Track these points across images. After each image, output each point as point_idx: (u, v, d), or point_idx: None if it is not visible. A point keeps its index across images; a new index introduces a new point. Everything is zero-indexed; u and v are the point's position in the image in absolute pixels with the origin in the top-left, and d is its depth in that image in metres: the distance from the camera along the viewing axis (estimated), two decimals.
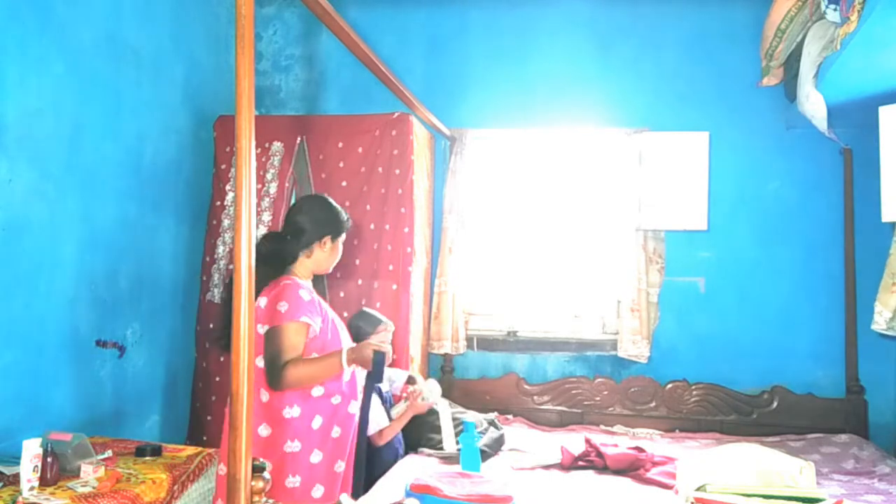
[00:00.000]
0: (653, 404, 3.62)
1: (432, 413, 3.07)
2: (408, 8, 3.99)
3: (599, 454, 2.79)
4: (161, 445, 2.62)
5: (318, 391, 2.23)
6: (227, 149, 3.53)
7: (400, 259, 3.29)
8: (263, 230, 3.41)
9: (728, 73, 3.67)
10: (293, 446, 2.17)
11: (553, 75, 3.83)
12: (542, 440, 3.23)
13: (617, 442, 2.99)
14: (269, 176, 3.46)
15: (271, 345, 2.15)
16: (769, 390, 3.54)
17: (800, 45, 2.94)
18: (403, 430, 2.89)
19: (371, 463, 2.65)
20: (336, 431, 2.27)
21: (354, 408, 2.35)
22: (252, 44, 1.62)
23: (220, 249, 3.50)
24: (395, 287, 3.27)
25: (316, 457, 2.21)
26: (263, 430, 2.17)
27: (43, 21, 2.61)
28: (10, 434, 2.41)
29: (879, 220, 2.55)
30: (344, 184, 3.41)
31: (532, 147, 3.94)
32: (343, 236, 2.41)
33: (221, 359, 3.40)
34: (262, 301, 2.21)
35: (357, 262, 3.35)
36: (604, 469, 2.74)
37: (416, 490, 2.09)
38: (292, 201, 3.54)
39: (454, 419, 3.04)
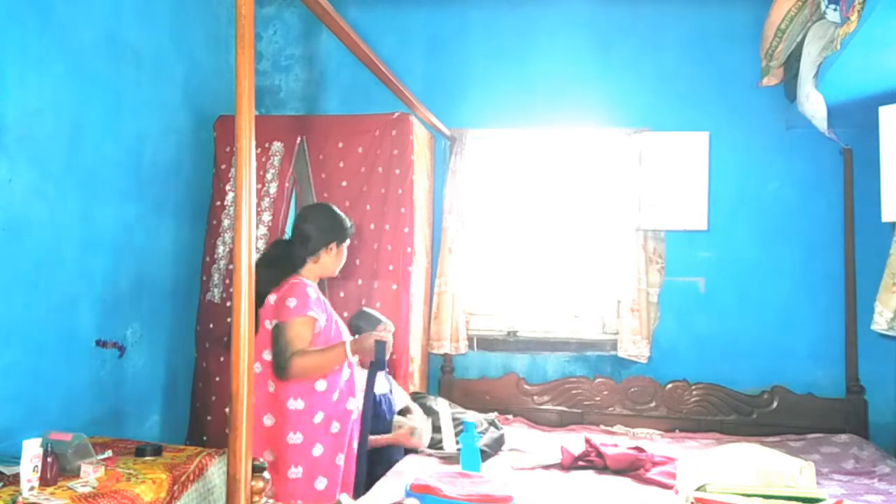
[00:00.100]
0: (653, 404, 3.62)
1: (432, 413, 3.06)
2: (408, 8, 3.99)
3: (599, 454, 2.79)
4: (161, 445, 2.61)
5: (321, 386, 2.34)
6: (227, 149, 3.53)
7: (400, 259, 3.29)
8: (263, 230, 3.42)
9: (728, 73, 3.67)
10: (295, 438, 2.29)
11: (553, 75, 3.83)
12: (542, 440, 3.23)
13: (617, 442, 2.99)
14: (269, 176, 3.46)
15: (280, 338, 2.28)
16: (769, 390, 3.54)
17: (800, 45, 2.94)
18: None
19: (371, 463, 2.64)
20: (335, 426, 2.37)
21: (352, 405, 2.44)
22: (252, 44, 1.62)
23: (220, 249, 3.50)
24: (395, 287, 3.27)
25: (318, 450, 2.31)
26: (268, 420, 2.31)
27: (43, 21, 2.61)
28: (10, 434, 2.41)
29: (879, 220, 2.55)
30: (344, 184, 3.41)
31: (532, 147, 3.94)
32: (347, 241, 2.55)
33: (221, 359, 3.40)
34: (272, 298, 2.36)
35: (357, 262, 3.35)
36: (604, 469, 2.74)
37: (416, 490, 2.10)
38: (292, 201, 3.55)
39: (454, 419, 3.04)
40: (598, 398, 3.67)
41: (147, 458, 2.49)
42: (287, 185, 3.47)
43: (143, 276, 3.23)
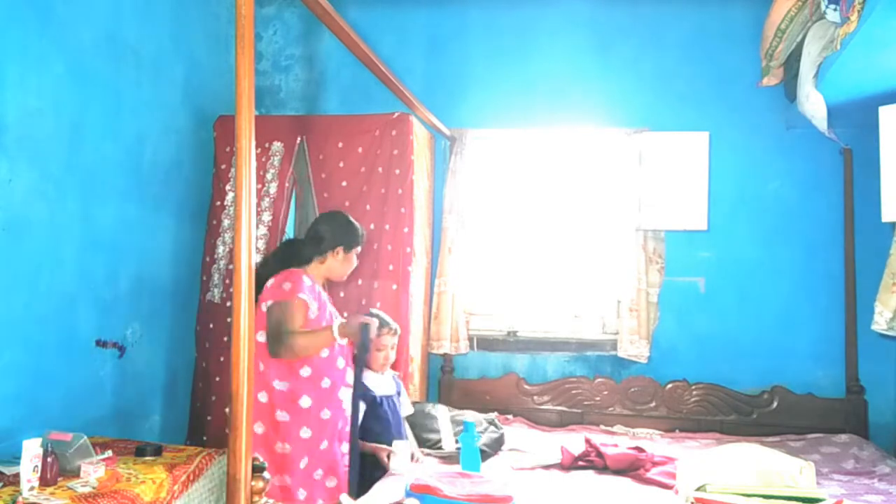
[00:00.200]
0: (653, 404, 3.62)
1: (430, 418, 3.06)
2: (408, 8, 3.99)
3: (599, 454, 2.79)
4: (161, 445, 2.62)
5: (305, 371, 2.47)
6: (227, 149, 3.53)
7: (400, 259, 3.29)
8: (263, 230, 3.43)
9: (728, 73, 3.67)
10: (282, 415, 2.45)
11: (553, 75, 3.83)
12: (542, 440, 3.23)
13: (617, 442, 2.99)
14: (269, 176, 3.46)
15: (273, 317, 2.42)
16: (769, 390, 3.54)
17: (800, 45, 2.94)
18: None
19: (371, 462, 2.64)
20: (326, 413, 2.50)
21: (345, 394, 2.56)
22: (252, 44, 1.62)
23: (220, 249, 3.50)
24: (395, 287, 3.27)
25: (305, 433, 2.46)
26: (262, 397, 2.45)
27: (43, 21, 2.61)
28: (10, 434, 2.41)
29: (879, 220, 2.55)
30: (344, 184, 3.41)
31: (532, 147, 3.94)
32: (357, 249, 2.69)
33: (221, 359, 3.40)
34: (270, 283, 2.49)
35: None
36: (604, 469, 2.74)
37: (416, 490, 2.10)
38: (292, 201, 3.56)
39: (453, 421, 3.04)
40: (598, 398, 3.67)
41: (147, 458, 2.49)
42: (287, 185, 3.47)
43: (143, 276, 3.23)
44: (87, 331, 2.87)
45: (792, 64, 3.18)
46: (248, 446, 1.53)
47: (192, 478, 2.46)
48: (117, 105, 3.05)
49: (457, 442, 2.77)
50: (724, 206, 3.64)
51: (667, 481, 2.53)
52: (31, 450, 2.07)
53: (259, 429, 2.42)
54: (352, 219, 2.71)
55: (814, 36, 2.76)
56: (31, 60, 2.56)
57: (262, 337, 2.43)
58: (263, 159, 3.45)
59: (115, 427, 2.99)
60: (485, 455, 2.77)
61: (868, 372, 3.43)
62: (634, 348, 3.60)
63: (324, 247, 2.62)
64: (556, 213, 3.91)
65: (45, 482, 2.11)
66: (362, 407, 2.74)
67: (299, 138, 3.48)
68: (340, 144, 3.43)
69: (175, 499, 2.34)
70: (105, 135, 2.96)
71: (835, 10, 2.46)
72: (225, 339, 3.38)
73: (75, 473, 2.21)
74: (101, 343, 2.94)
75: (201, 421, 3.47)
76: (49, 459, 2.13)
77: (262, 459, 1.62)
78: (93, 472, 2.20)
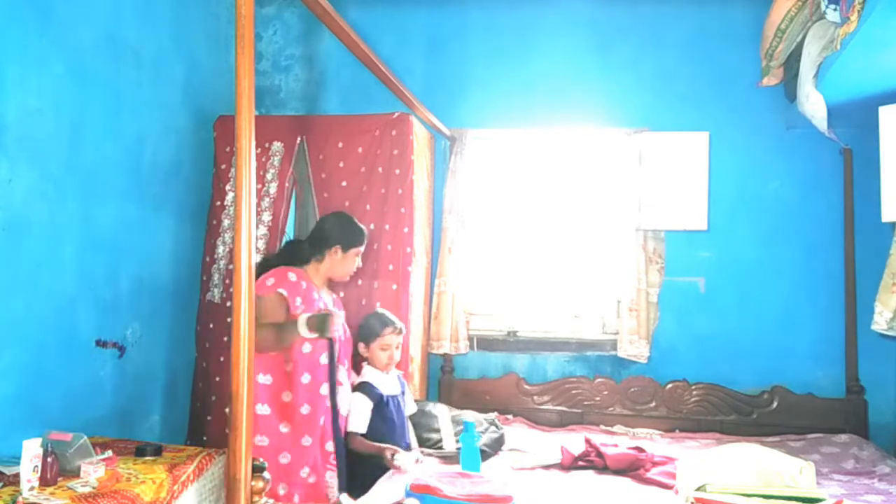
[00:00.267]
0: (653, 404, 3.62)
1: (430, 417, 3.06)
2: (408, 8, 3.99)
3: (599, 454, 2.79)
4: (161, 445, 2.61)
5: (288, 367, 2.52)
6: (227, 149, 3.53)
7: (400, 259, 3.29)
8: (263, 230, 3.42)
9: (728, 73, 3.67)
10: (263, 409, 2.49)
11: (553, 75, 3.83)
12: (542, 440, 3.23)
13: (617, 442, 2.99)
14: (269, 176, 3.46)
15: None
16: (769, 390, 3.54)
17: (800, 45, 2.94)
18: None
19: (372, 462, 2.65)
20: (306, 408, 2.53)
21: (326, 390, 2.59)
22: (252, 44, 1.62)
23: (220, 249, 3.50)
24: (395, 287, 3.27)
25: (285, 427, 2.51)
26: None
27: (43, 21, 2.61)
28: (10, 434, 2.41)
29: (879, 220, 2.55)
30: (344, 184, 3.41)
31: (532, 147, 3.94)
32: (356, 249, 2.74)
33: (221, 359, 3.40)
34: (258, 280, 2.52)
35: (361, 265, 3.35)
36: (604, 469, 2.74)
37: (416, 490, 2.10)
38: (292, 201, 3.56)
39: (454, 421, 3.04)
40: (598, 398, 3.67)
41: (147, 458, 2.49)
42: (287, 185, 3.47)
43: (143, 276, 3.23)
44: (87, 331, 2.87)
45: (792, 64, 3.18)
46: (248, 446, 1.53)
47: (192, 478, 2.46)
48: (117, 105, 3.05)
49: (457, 441, 2.76)
50: (724, 206, 3.64)
51: (667, 481, 2.53)
52: (31, 450, 2.07)
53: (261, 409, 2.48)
54: (354, 219, 2.75)
55: (814, 36, 2.76)
56: (31, 60, 2.56)
57: None
58: (263, 159, 3.45)
59: (115, 427, 2.99)
60: (485, 455, 2.77)
61: (868, 372, 3.43)
62: (634, 348, 3.60)
63: (321, 246, 2.67)
64: (556, 213, 3.91)
65: (45, 482, 2.11)
66: (369, 405, 2.74)
67: (299, 138, 3.48)
68: (340, 144, 3.43)
69: (175, 499, 2.34)
70: (105, 135, 2.96)
71: (835, 10, 2.46)
72: (225, 339, 3.38)
73: (75, 473, 2.21)
74: (101, 343, 2.94)
75: (201, 421, 3.47)
76: (49, 459, 2.13)
77: (262, 460, 1.62)
78: (93, 472, 2.20)
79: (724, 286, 3.65)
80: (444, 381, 3.78)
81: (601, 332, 3.80)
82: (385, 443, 2.70)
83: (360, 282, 3.32)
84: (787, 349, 3.56)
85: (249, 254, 1.56)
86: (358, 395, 2.77)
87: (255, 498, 1.57)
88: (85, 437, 2.32)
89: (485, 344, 3.85)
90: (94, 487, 2.14)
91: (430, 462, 2.79)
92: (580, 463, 2.80)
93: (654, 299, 3.67)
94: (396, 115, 3.35)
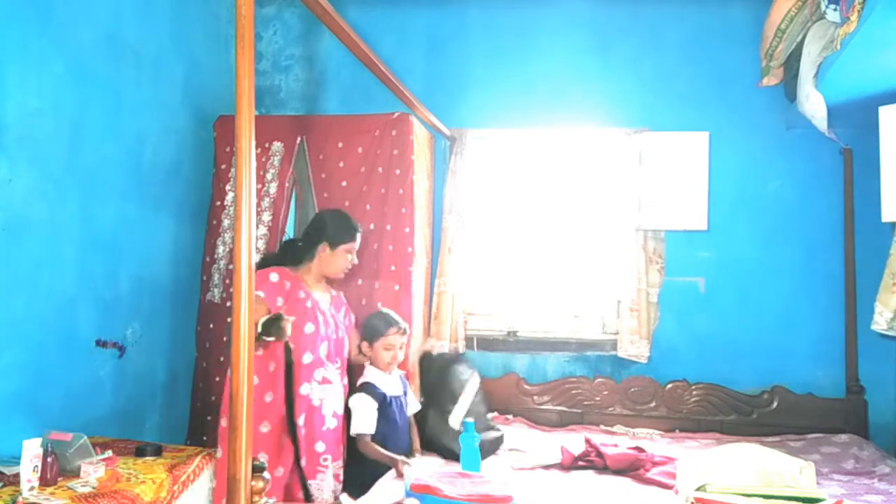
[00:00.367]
0: (653, 404, 3.62)
1: (459, 382, 3.02)
2: (408, 8, 3.99)
3: (599, 454, 2.79)
4: (161, 445, 2.62)
5: (271, 366, 2.53)
6: (227, 149, 3.53)
7: (401, 259, 3.28)
8: (263, 230, 3.42)
9: (728, 73, 3.67)
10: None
11: (553, 75, 3.83)
12: (542, 440, 3.22)
13: (617, 442, 2.99)
14: (269, 176, 3.46)
15: None
16: (769, 390, 3.54)
17: (800, 45, 2.94)
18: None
19: (372, 462, 2.65)
20: (269, 396, 2.55)
21: (315, 391, 2.60)
22: (252, 44, 1.62)
23: (220, 249, 3.50)
24: (397, 288, 3.26)
25: (265, 427, 2.51)
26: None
27: (43, 21, 2.61)
28: (10, 434, 2.41)
29: (879, 220, 2.55)
30: (344, 184, 3.41)
31: (532, 147, 3.94)
32: (346, 246, 2.72)
33: (221, 359, 3.40)
34: None
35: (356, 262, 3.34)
36: (604, 469, 2.74)
37: (416, 490, 2.09)
38: (292, 201, 3.56)
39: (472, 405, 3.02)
40: (598, 398, 3.67)
41: (147, 458, 2.49)
42: (287, 185, 3.47)
43: (143, 276, 3.23)
44: (87, 331, 2.87)
45: (792, 64, 3.18)
46: (248, 446, 1.53)
47: (192, 478, 2.46)
48: (117, 105, 3.05)
49: (462, 426, 2.72)
50: (724, 206, 3.64)
51: (667, 481, 2.53)
52: (31, 450, 2.08)
53: (224, 422, 2.48)
54: (346, 216, 2.73)
55: (814, 36, 2.76)
56: (31, 60, 2.56)
57: None
58: (263, 159, 3.45)
59: (115, 427, 2.99)
60: (484, 453, 2.76)
61: (868, 372, 3.43)
62: (634, 348, 3.60)
63: (310, 244, 2.67)
64: (556, 213, 3.91)
65: (45, 482, 2.12)
66: (373, 405, 2.73)
67: (299, 138, 3.48)
68: (340, 144, 3.43)
69: (175, 499, 2.34)
70: (105, 135, 2.96)
71: (835, 10, 2.46)
72: (225, 339, 3.38)
73: (75, 473, 2.21)
74: (101, 343, 2.94)
75: (201, 421, 3.47)
76: (49, 459, 2.13)
77: (262, 460, 1.62)
78: (93, 472, 2.20)
79: (724, 286, 3.65)
80: None
81: (601, 332, 3.80)
82: (386, 443, 2.70)
83: (359, 282, 3.32)
84: (787, 349, 3.56)
85: (249, 254, 1.56)
86: (362, 395, 2.74)
87: (255, 498, 1.57)
88: (85, 437, 2.32)
89: (485, 344, 3.84)
90: (94, 487, 2.14)
91: (430, 462, 2.79)
92: (580, 463, 2.80)
93: (655, 299, 3.67)
94: (396, 115, 3.35)
